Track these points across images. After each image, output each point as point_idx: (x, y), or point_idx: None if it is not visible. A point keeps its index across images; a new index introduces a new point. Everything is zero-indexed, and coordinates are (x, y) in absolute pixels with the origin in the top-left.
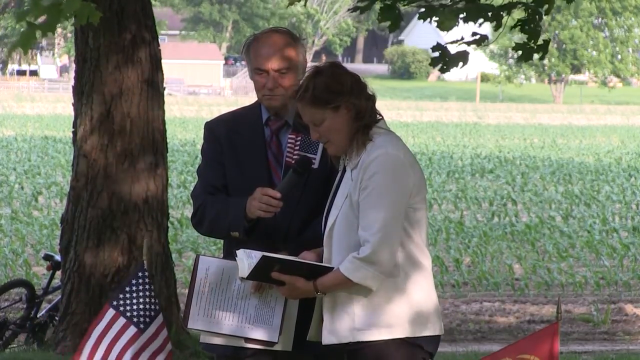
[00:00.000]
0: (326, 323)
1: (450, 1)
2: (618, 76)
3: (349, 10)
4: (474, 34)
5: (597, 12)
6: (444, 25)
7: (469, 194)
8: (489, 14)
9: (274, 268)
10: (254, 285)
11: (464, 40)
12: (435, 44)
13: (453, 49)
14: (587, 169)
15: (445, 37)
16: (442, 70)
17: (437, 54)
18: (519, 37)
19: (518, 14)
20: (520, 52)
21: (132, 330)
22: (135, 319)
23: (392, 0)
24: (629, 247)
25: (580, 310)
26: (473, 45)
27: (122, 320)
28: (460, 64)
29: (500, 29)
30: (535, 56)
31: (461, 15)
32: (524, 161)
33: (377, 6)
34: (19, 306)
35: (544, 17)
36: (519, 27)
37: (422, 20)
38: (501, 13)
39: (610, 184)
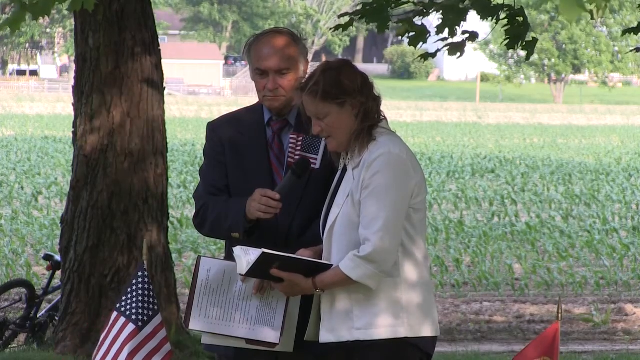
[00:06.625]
0: (324, 322)
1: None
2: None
3: (330, 29)
4: (464, 32)
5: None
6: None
7: (469, 194)
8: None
9: (273, 265)
10: (256, 286)
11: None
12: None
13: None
14: (587, 169)
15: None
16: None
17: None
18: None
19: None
20: (508, 39)
21: (130, 327)
22: (133, 317)
23: (378, 3)
24: (629, 247)
25: (580, 310)
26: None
27: (122, 320)
28: (458, 54)
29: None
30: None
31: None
32: (524, 161)
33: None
34: (19, 306)
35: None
36: (505, 26)
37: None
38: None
39: (610, 184)
